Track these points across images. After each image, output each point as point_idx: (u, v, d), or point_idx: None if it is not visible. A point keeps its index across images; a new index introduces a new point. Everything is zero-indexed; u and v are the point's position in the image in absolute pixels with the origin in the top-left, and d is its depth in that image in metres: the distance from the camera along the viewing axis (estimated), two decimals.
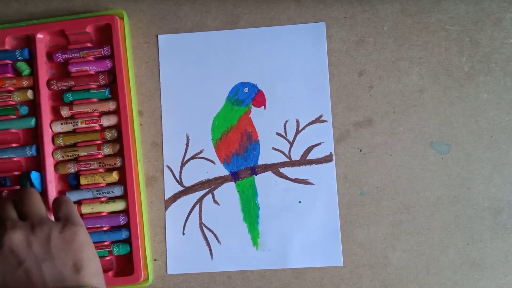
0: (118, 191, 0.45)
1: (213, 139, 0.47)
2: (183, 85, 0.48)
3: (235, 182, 0.47)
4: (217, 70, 0.48)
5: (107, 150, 0.45)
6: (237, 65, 0.48)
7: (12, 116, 0.46)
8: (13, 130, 0.46)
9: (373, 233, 0.46)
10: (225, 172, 0.47)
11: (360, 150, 0.47)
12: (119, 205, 0.45)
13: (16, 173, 0.46)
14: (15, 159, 0.46)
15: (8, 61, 0.46)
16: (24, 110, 0.46)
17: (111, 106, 0.46)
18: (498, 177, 0.46)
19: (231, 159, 0.47)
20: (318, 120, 0.47)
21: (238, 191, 0.47)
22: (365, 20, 0.47)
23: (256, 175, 0.47)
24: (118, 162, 0.45)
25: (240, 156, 0.47)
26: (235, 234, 0.46)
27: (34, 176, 0.45)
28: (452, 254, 0.45)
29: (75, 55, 0.46)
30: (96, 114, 0.46)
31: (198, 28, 0.48)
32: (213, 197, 0.47)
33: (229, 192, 0.47)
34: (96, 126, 0.46)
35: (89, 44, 0.46)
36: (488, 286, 0.45)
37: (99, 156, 0.46)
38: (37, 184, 0.45)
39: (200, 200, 0.47)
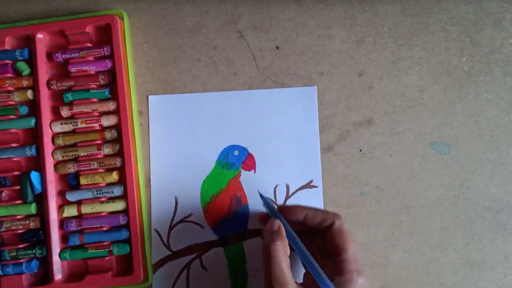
0: (118, 191, 0.45)
1: (202, 203, 0.46)
2: (172, 147, 0.47)
3: (224, 248, 0.46)
4: (207, 132, 0.47)
5: (107, 150, 0.45)
6: (227, 127, 0.46)
7: (12, 116, 0.46)
8: (13, 130, 0.46)
9: (373, 233, 0.46)
10: (213, 236, 0.46)
11: (360, 150, 0.47)
12: (119, 205, 0.45)
13: (16, 173, 0.46)
14: (15, 159, 0.46)
15: (8, 61, 0.46)
16: (24, 110, 0.46)
17: (111, 106, 0.46)
18: (498, 177, 0.46)
19: (220, 223, 0.46)
20: (309, 185, 0.46)
21: (226, 257, 0.46)
22: (365, 20, 0.47)
23: (245, 240, 0.46)
24: (118, 162, 0.45)
25: (229, 220, 0.46)
26: None
27: (34, 176, 0.45)
28: (452, 254, 0.45)
29: (75, 55, 0.46)
30: (96, 114, 0.46)
31: (198, 28, 0.48)
32: (201, 262, 0.45)
33: (217, 257, 0.45)
34: (96, 126, 0.46)
35: (89, 44, 0.46)
36: (488, 286, 0.45)
37: (99, 156, 0.46)
38: (37, 184, 0.45)
39: (188, 265, 0.45)
